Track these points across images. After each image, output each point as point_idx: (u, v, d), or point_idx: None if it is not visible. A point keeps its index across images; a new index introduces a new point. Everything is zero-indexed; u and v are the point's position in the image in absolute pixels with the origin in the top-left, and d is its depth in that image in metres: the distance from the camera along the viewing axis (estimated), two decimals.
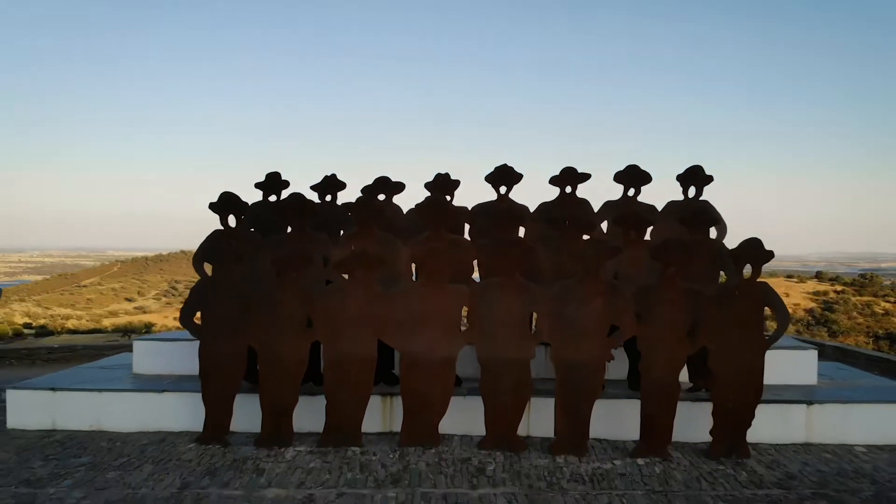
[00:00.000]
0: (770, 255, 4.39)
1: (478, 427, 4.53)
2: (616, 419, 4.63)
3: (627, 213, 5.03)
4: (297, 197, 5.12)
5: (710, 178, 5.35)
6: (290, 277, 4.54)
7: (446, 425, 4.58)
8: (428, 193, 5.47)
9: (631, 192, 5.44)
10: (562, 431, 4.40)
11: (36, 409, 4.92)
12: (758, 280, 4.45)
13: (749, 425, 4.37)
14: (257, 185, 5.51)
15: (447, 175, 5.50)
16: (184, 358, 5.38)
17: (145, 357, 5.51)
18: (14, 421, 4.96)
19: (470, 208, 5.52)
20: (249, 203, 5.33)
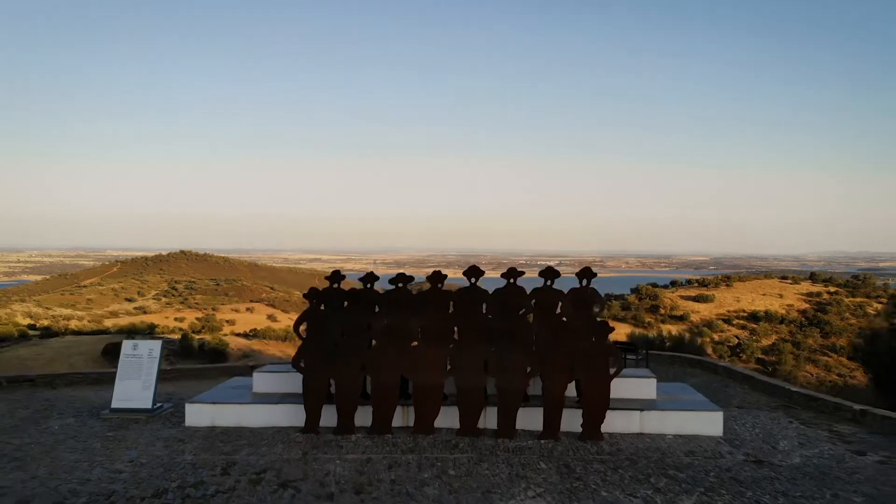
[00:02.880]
0: (611, 330, 8.25)
1: (456, 423, 8.37)
2: (533, 419, 8.47)
3: (541, 298, 8.88)
4: (352, 289, 8.98)
5: (594, 274, 9.19)
6: (352, 338, 8.38)
7: (438, 423, 8.43)
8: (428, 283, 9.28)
9: (548, 283, 9.25)
10: (500, 425, 8.25)
11: (203, 413, 8.76)
12: (607, 342, 8.30)
13: (602, 422, 8.20)
14: (326, 278, 9.31)
15: (439, 272, 9.32)
16: (285, 383, 9.24)
17: (261, 382, 9.38)
18: (189, 421, 8.81)
19: (453, 291, 9.33)
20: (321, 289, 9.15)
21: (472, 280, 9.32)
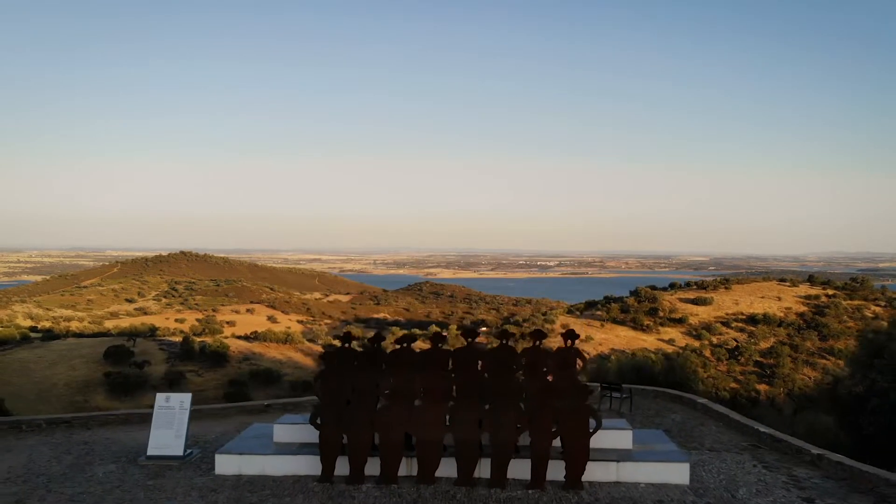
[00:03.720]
0: (590, 392, 9.45)
1: (454, 472, 9.58)
2: (522, 469, 9.67)
3: (530, 358, 10.08)
4: (362, 350, 10.19)
5: (578, 336, 10.39)
6: (362, 398, 9.59)
7: (438, 472, 9.63)
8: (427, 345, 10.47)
9: (537, 343, 10.44)
10: (493, 476, 9.46)
11: (231, 463, 9.97)
12: (586, 403, 9.50)
13: (582, 472, 9.42)
14: (337, 338, 10.50)
15: (439, 333, 10.52)
16: (302, 434, 10.45)
17: (281, 432, 10.59)
18: (219, 469, 10.03)
19: (452, 350, 10.51)
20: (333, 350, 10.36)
21: (469, 339, 10.52)
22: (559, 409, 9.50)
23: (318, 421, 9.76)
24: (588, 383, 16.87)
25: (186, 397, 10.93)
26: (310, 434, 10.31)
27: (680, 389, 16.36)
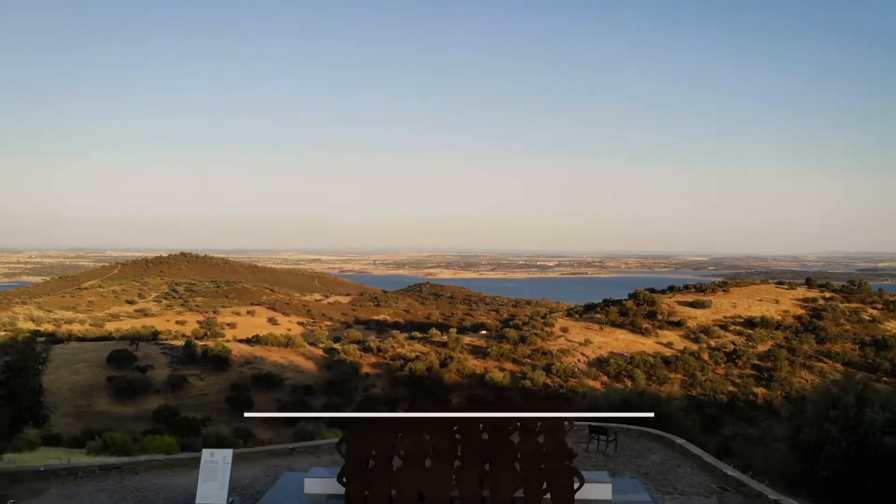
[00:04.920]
0: (575, 455, 11.32)
1: None
2: None
3: (524, 422, 11.93)
4: (379, 416, 12.05)
5: (566, 401, 12.23)
6: (383, 458, 11.45)
7: None
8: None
9: (531, 407, 12.27)
10: None
11: None
12: (571, 465, 11.36)
13: None
14: (357, 413, 12.35)
15: (443, 396, 12.38)
16: (329, 487, 12.31)
17: (311, 485, 12.46)
18: None
19: (456, 417, 12.35)
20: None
21: (472, 407, 12.36)
22: (549, 470, 11.36)
23: (345, 479, 11.62)
24: (577, 423, 18.77)
25: (228, 453, 12.77)
26: (335, 487, 12.17)
27: (661, 427, 18.21)
